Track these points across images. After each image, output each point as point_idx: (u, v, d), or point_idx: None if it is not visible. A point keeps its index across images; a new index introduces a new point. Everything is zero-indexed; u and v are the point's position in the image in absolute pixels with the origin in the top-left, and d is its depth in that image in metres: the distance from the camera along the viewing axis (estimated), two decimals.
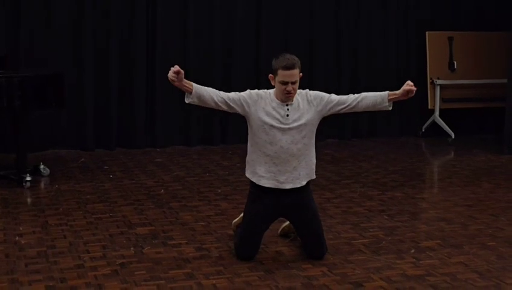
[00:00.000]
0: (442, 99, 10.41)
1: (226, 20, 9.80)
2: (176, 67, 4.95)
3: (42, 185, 7.48)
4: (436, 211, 6.62)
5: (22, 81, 7.19)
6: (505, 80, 9.56)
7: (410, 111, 10.64)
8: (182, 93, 9.66)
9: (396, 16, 10.58)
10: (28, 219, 6.20)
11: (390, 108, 5.30)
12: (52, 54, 9.06)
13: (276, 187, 5.11)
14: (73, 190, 7.23)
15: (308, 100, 5.10)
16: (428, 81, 10.34)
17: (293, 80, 4.96)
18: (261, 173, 5.12)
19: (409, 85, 5.17)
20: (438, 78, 10.32)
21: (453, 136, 10.16)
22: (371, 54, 10.46)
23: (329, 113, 5.20)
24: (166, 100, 9.55)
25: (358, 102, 5.17)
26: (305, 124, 5.07)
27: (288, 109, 5.05)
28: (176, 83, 4.99)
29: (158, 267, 5.02)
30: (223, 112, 9.76)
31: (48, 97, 7.45)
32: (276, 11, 9.99)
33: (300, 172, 5.13)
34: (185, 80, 5.00)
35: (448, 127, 10.24)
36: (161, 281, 4.74)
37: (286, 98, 5.02)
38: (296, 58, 5.02)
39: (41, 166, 7.78)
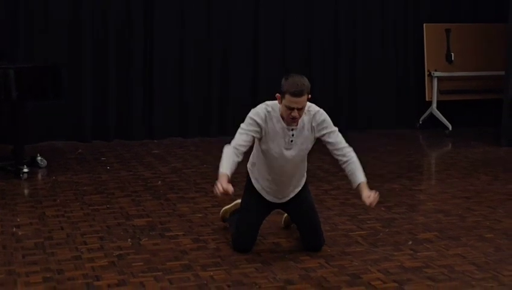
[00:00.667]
0: (440, 92, 10.40)
1: (226, 16, 9.75)
2: (226, 189, 4.64)
3: (39, 176, 7.48)
4: (433, 203, 6.62)
5: (19, 72, 7.17)
6: (502, 72, 9.55)
7: (407, 103, 10.63)
8: (179, 85, 9.67)
9: (395, 8, 10.56)
10: (25, 210, 6.20)
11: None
12: (50, 45, 9.04)
13: (275, 202, 5.22)
14: (71, 181, 7.22)
15: (312, 125, 4.98)
16: (426, 73, 10.33)
17: (300, 106, 4.82)
18: (262, 185, 5.17)
19: (368, 201, 4.86)
20: (436, 70, 10.31)
21: (450, 128, 10.16)
22: (368, 46, 10.44)
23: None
24: (164, 92, 9.55)
25: (341, 160, 5.03)
26: (305, 148, 5.06)
27: (293, 135, 4.97)
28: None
29: (155, 258, 5.01)
30: (220, 104, 9.81)
31: (45, 88, 7.43)
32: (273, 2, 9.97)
33: (296, 185, 5.20)
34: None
35: (446, 119, 10.24)
36: (158, 273, 4.74)
37: (291, 122, 4.92)
38: (306, 83, 4.82)
39: (39, 157, 7.77)
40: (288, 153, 5.01)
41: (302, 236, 5.28)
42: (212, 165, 8.02)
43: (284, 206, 5.30)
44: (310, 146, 5.09)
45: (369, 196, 4.84)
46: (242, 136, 4.96)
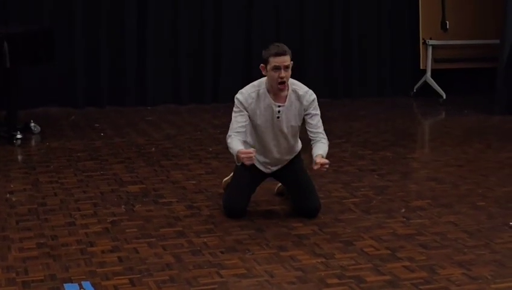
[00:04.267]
0: (434, 60, 10.37)
1: None
2: (250, 153, 4.80)
3: (33, 142, 7.46)
4: (426, 171, 6.63)
5: (12, 37, 7.12)
6: (497, 41, 9.53)
7: (402, 71, 10.61)
8: (172, 51, 9.59)
9: None
10: (18, 176, 6.19)
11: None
12: (42, 9, 8.97)
13: (268, 173, 5.27)
14: (64, 147, 7.21)
15: (302, 103, 5.06)
16: (421, 41, 10.29)
17: (286, 64, 4.91)
18: (256, 157, 5.13)
19: (319, 161, 4.90)
20: (430, 39, 10.27)
21: (444, 97, 10.15)
22: (363, 14, 10.38)
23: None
24: (157, 58, 9.49)
25: (313, 140, 5.11)
26: (295, 125, 5.12)
27: (279, 111, 5.04)
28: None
29: (149, 225, 5.03)
30: (214, 71, 9.75)
31: (38, 53, 7.39)
32: None
33: (288, 158, 5.27)
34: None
35: (440, 87, 10.22)
36: (152, 239, 4.75)
37: (280, 89, 4.97)
38: (286, 47, 4.97)
39: (32, 124, 7.74)
40: (277, 129, 5.08)
41: (296, 200, 5.29)
42: (207, 132, 8.02)
43: (276, 175, 5.33)
44: (299, 123, 5.14)
45: (315, 162, 4.91)
46: (237, 118, 5.04)
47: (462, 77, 10.68)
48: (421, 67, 10.36)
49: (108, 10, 9.27)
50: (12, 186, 5.91)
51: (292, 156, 5.27)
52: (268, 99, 5.02)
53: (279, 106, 5.03)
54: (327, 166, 4.91)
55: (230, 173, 5.53)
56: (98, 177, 6.18)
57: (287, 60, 4.91)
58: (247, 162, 4.79)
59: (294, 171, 5.24)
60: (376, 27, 10.47)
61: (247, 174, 5.21)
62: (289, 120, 5.08)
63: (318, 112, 5.12)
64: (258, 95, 5.03)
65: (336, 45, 10.26)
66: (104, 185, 5.97)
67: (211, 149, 7.23)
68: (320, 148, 5.05)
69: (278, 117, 5.04)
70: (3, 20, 8.58)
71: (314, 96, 5.11)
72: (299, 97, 5.05)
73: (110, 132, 7.97)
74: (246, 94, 5.04)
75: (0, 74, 7.58)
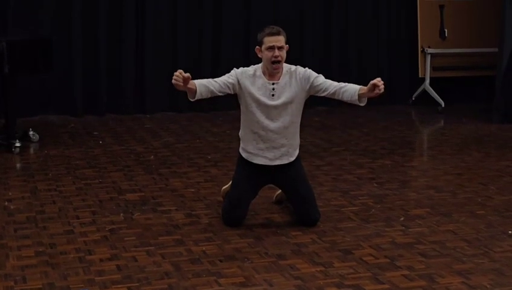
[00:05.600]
0: (433, 68, 10.38)
1: None
2: (186, 74, 4.89)
3: (31, 150, 7.46)
4: (425, 179, 6.63)
5: (10, 46, 7.12)
6: (495, 49, 9.54)
7: (400, 79, 10.62)
8: (171, 58, 9.60)
9: None
10: (17, 184, 6.19)
11: (362, 104, 5.17)
12: (40, 17, 8.97)
13: (266, 164, 5.19)
14: (63, 155, 7.21)
15: (296, 78, 5.14)
16: (419, 49, 10.31)
17: (280, 45, 5.04)
18: (250, 150, 5.20)
19: (376, 79, 5.01)
20: (429, 47, 10.29)
21: (443, 105, 10.15)
22: (361, 22, 10.40)
23: (313, 93, 5.25)
24: (156, 66, 9.50)
25: (336, 91, 5.13)
26: (290, 102, 5.13)
27: (273, 89, 5.09)
28: (181, 88, 4.96)
29: (148, 233, 5.02)
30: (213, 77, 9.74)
31: (36, 62, 7.40)
32: None
33: (288, 149, 5.21)
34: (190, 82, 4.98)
35: (439, 95, 10.23)
36: (151, 247, 4.75)
37: (274, 69, 5.06)
38: (281, 29, 5.11)
39: (31, 132, 7.74)
40: (271, 107, 5.09)
41: (296, 209, 5.28)
42: (205, 140, 8.02)
43: (276, 179, 5.29)
44: (296, 100, 5.13)
45: (376, 79, 5.00)
46: (224, 76, 5.16)
47: (461, 85, 10.70)
48: (420, 76, 10.37)
49: (106, 18, 9.28)
50: (10, 194, 5.90)
51: (288, 142, 5.17)
52: (263, 79, 5.11)
53: (273, 84, 5.10)
54: (382, 81, 5.01)
55: (229, 181, 5.52)
56: (97, 185, 6.17)
57: (280, 40, 5.05)
58: (173, 80, 4.89)
59: (295, 179, 5.22)
60: (375, 35, 10.49)
61: (246, 183, 5.21)
62: (284, 97, 5.10)
63: (318, 74, 5.19)
64: (254, 74, 5.12)
65: (334, 53, 10.27)
66: (102, 193, 5.96)
67: (209, 157, 7.23)
68: (352, 85, 5.12)
69: (273, 95, 5.10)
70: (2, 28, 8.61)
71: (305, 68, 5.20)
72: (293, 74, 5.13)
73: (108, 139, 7.97)
74: (243, 69, 5.16)
75: None
